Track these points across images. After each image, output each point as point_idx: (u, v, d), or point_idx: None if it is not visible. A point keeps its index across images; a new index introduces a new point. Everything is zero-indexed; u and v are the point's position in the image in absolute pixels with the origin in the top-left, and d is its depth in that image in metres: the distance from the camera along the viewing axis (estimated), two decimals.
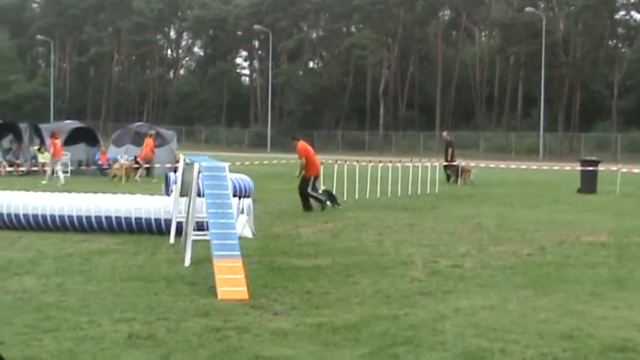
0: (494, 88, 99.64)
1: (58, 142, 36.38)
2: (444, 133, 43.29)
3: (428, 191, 30.36)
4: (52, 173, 34.63)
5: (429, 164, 33.78)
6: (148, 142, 38.46)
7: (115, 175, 37.42)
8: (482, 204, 25.62)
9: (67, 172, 39.89)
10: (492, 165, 44.31)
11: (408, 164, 32.99)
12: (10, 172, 38.11)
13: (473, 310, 10.02)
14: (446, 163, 36.93)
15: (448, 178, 35.37)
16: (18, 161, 40.74)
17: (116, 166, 38.41)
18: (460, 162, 36.97)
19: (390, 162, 31.38)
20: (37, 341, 8.35)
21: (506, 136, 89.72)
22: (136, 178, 37.28)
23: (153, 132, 40.37)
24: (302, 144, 23.35)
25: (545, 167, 47.16)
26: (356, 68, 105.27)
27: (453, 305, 10.33)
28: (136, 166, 37.56)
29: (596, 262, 14.14)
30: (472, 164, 39.41)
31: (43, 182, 33.08)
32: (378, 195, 27.30)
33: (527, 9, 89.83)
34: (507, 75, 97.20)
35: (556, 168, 46.41)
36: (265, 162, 49.45)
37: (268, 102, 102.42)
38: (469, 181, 35.45)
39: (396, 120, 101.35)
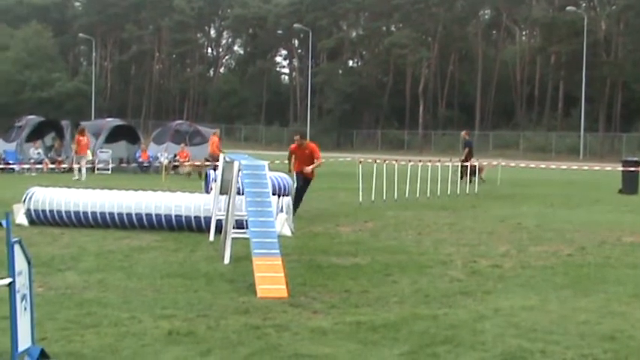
0: (535, 88, 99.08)
1: (84, 138, 36.97)
2: (463, 133, 43.11)
3: (467, 191, 30.26)
4: (79, 170, 35.24)
5: (468, 164, 33.64)
6: (214, 139, 38.80)
7: (189, 173, 37.84)
8: (522, 204, 25.49)
9: (107, 170, 40.29)
10: (532, 165, 44.06)
11: (447, 163, 32.89)
12: (52, 169, 38.43)
13: (513, 311, 9.96)
14: (462, 163, 36.62)
15: (462, 176, 34.97)
16: (60, 158, 41.13)
17: (188, 162, 38.92)
18: (474, 160, 36.57)
19: (430, 161, 31.30)
20: (79, 337, 8.42)
21: (547, 136, 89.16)
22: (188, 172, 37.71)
23: (217, 130, 40.68)
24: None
25: (586, 167, 46.81)
26: (395, 67, 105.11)
27: (493, 305, 10.28)
28: (207, 163, 37.73)
29: (637, 262, 14.02)
30: (485, 162, 39.10)
31: (74, 178, 33.66)
32: (418, 194, 27.24)
33: (569, 8, 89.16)
34: (548, 74, 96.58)
35: (597, 168, 46.08)
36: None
37: (307, 101, 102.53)
38: (480, 178, 35.06)
39: (435, 119, 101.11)
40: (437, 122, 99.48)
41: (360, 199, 24.38)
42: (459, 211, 22.75)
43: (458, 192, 29.41)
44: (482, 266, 13.41)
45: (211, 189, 19.66)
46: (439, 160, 32.53)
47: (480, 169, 35.85)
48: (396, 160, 32.65)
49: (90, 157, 38.49)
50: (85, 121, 48.58)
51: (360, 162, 24.56)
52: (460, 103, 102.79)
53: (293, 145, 21.13)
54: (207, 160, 38.05)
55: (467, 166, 35.17)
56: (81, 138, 36.91)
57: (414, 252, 14.93)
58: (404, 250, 15.19)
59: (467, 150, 37.73)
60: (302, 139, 21.21)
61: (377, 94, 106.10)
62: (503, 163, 39.31)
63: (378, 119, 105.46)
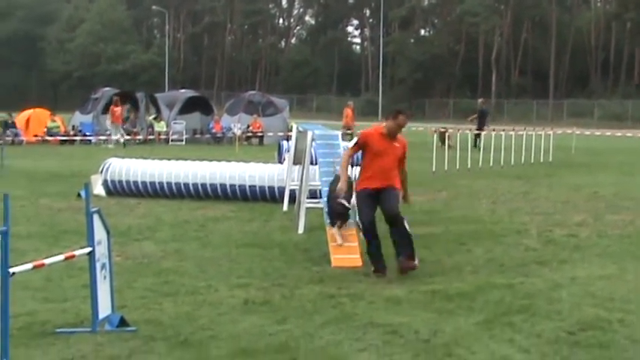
0: (610, 54, 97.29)
1: (118, 109, 37.88)
2: (480, 101, 42.64)
3: (542, 159, 29.93)
4: (122, 137, 36.60)
5: (542, 132, 33.27)
6: (348, 111, 39.25)
7: None
8: (597, 172, 25.17)
9: (181, 141, 40.69)
10: (608, 133, 43.41)
11: (521, 132, 32.55)
12: (127, 140, 38.95)
13: (589, 280, 9.87)
14: (477, 131, 36.01)
15: (475, 144, 34.18)
16: (135, 130, 41.62)
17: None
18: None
19: (503, 130, 30.99)
20: (157, 305, 8.55)
21: (622, 104, 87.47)
22: None
23: (351, 102, 41.02)
24: None
25: None
26: (468, 35, 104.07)
27: (569, 274, 10.19)
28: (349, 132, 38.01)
29: None
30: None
31: (110, 146, 34.99)
32: (491, 163, 27.03)
33: None
34: (624, 41, 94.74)
35: None
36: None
37: (379, 70, 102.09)
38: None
39: (508, 87, 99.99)
40: (510, 91, 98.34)
41: (434, 169, 24.26)
42: (534, 180, 22.53)
43: (532, 161, 29.10)
44: (557, 235, 13.28)
45: (284, 159, 19.74)
46: (513, 129, 32.20)
47: (449, 137, 35.45)
48: (469, 129, 32.45)
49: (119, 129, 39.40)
50: (158, 93, 49.04)
51: (434, 131, 24.41)
52: (533, 70, 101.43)
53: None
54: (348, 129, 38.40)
55: (479, 134, 34.78)
56: (115, 108, 37.93)
57: (488, 221, 14.85)
58: (478, 219, 15.12)
59: (483, 118, 37.57)
60: None
61: (449, 62, 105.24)
62: (577, 132, 38.72)
63: (450, 88, 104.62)
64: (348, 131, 37.36)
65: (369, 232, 10.40)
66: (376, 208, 10.46)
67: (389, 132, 10.63)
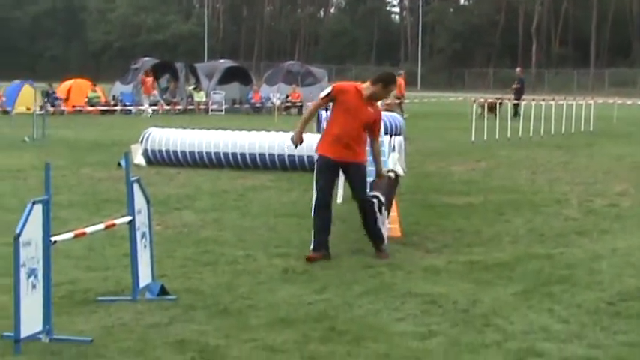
0: None
1: (149, 79, 38.38)
2: (518, 70, 42.29)
3: (582, 129, 29.68)
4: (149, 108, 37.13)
5: (583, 102, 32.98)
6: (399, 80, 39.47)
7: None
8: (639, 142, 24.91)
9: (220, 111, 40.82)
10: None
11: (561, 102, 32.27)
12: (167, 110, 39.12)
13: (630, 250, 9.80)
14: (516, 101, 35.66)
15: (515, 113, 33.88)
16: (175, 99, 41.80)
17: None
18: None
19: (543, 100, 30.76)
20: (197, 274, 8.62)
21: None
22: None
23: (402, 71, 41.32)
24: None
25: None
26: (508, 5, 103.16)
27: (610, 245, 10.13)
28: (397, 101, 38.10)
29: None
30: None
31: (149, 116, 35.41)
32: (531, 133, 26.84)
33: None
34: None
35: None
36: (416, 100, 49.17)
37: (418, 40, 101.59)
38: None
39: (548, 57, 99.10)
40: (550, 61, 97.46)
41: (473, 138, 24.16)
42: (574, 150, 22.37)
43: (572, 130, 28.86)
44: (598, 205, 13.19)
45: (323, 129, 19.71)
46: (553, 99, 31.94)
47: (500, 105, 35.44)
48: (508, 99, 32.23)
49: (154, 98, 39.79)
50: (198, 63, 49.16)
51: (474, 101, 24.29)
52: (574, 40, 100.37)
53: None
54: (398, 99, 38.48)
55: (517, 103, 34.50)
56: (147, 79, 38.30)
57: (527, 191, 14.79)
58: (517, 189, 15.05)
59: (517, 86, 37.38)
60: None
61: (489, 32, 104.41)
62: (619, 101, 38.32)
63: (489, 58, 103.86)
64: (398, 100, 37.43)
65: (318, 204, 9.66)
66: (334, 183, 10.00)
67: (370, 95, 9.64)
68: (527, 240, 10.49)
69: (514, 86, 39.00)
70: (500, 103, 32.73)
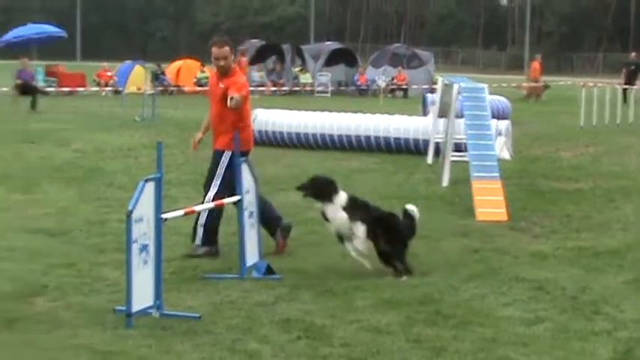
0: None
1: (244, 59, 38.93)
2: (633, 55, 40.80)
3: None
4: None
5: (635, 87, 32.06)
6: (535, 65, 39.61)
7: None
8: None
9: (326, 93, 40.91)
10: None
11: None
12: (273, 91, 39.39)
13: None
14: (626, 86, 34.40)
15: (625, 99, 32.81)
16: (281, 81, 42.04)
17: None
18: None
19: None
20: (303, 254, 8.68)
21: None
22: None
23: (539, 55, 41.48)
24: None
25: None
26: None
27: None
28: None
29: None
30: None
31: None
32: None
33: None
34: None
35: None
36: (524, 84, 48.44)
37: (526, 23, 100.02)
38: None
39: None
40: None
41: (582, 123, 23.72)
42: None
43: None
44: None
45: (429, 112, 19.64)
46: None
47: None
48: (619, 84, 31.50)
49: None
50: (304, 45, 49.35)
51: (582, 86, 23.85)
52: None
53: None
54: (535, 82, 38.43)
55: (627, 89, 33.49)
56: (242, 58, 38.82)
57: (638, 177, 14.47)
58: (627, 175, 14.75)
59: (631, 71, 36.26)
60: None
61: (599, 14, 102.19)
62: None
63: (600, 42, 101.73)
64: (535, 83, 37.18)
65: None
66: (214, 172, 8.84)
67: (216, 69, 8.79)
68: (638, 227, 10.27)
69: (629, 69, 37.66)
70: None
